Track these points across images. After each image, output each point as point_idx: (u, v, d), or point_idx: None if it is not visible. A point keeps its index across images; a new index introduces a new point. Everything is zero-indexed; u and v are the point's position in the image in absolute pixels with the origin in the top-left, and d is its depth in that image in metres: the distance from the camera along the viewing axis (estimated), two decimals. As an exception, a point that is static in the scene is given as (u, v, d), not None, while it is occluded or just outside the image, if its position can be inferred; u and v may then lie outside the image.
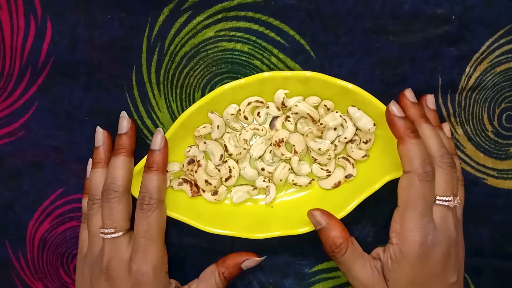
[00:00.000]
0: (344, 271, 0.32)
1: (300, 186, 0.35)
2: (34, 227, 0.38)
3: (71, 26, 0.35)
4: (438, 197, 0.31)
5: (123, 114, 0.35)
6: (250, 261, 0.35)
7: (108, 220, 0.33)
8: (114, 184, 0.33)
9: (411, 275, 0.30)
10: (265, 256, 0.35)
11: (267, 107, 0.35)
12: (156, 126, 0.36)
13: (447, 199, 0.31)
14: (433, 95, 0.35)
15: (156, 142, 0.33)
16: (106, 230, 0.33)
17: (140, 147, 0.36)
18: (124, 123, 0.35)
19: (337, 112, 0.34)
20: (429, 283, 0.31)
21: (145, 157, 0.34)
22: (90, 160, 0.36)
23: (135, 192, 0.34)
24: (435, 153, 0.31)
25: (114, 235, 0.33)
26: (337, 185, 0.35)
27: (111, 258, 0.32)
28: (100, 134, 0.35)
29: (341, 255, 0.32)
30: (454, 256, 0.31)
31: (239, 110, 0.34)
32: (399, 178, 0.33)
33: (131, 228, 0.33)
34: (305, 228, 0.34)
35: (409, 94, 0.34)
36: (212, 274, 0.34)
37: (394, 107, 0.31)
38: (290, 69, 0.35)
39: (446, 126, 0.35)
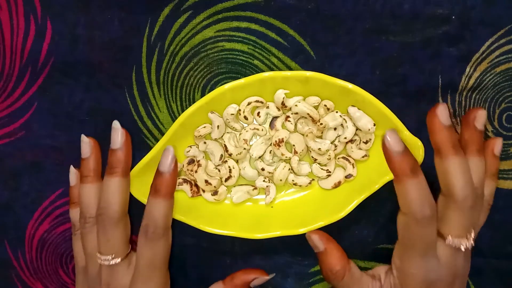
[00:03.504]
0: None
1: (300, 186, 0.35)
2: (34, 227, 0.38)
3: (71, 26, 0.35)
4: (450, 238, 0.28)
5: (116, 125, 0.32)
6: (260, 279, 0.33)
7: (105, 246, 0.31)
8: (110, 210, 0.31)
9: None
10: (274, 274, 0.34)
11: (267, 107, 0.35)
12: (156, 126, 0.36)
13: (459, 242, 0.28)
14: (484, 111, 0.30)
15: (164, 163, 0.30)
16: (103, 257, 0.31)
17: (140, 147, 0.36)
18: (118, 136, 0.32)
19: (337, 112, 0.34)
20: None
21: (144, 158, 0.34)
22: (72, 169, 0.35)
23: (135, 193, 0.34)
24: (457, 194, 0.28)
25: (112, 262, 0.31)
26: (337, 185, 0.35)
27: (110, 283, 0.31)
28: (86, 144, 0.33)
29: (338, 282, 0.30)
30: (458, 285, 0.30)
31: (239, 110, 0.34)
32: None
33: (130, 250, 0.32)
34: (305, 228, 0.34)
35: (442, 113, 0.29)
36: None
37: (390, 139, 0.27)
38: (290, 69, 0.35)
39: (498, 143, 0.31)
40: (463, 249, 0.28)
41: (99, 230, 0.31)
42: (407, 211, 0.28)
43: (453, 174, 0.28)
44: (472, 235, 0.29)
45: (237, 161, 0.35)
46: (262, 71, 0.35)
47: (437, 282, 0.28)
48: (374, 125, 0.33)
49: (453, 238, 0.28)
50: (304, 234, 0.34)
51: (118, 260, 0.31)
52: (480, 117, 0.30)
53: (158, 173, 0.30)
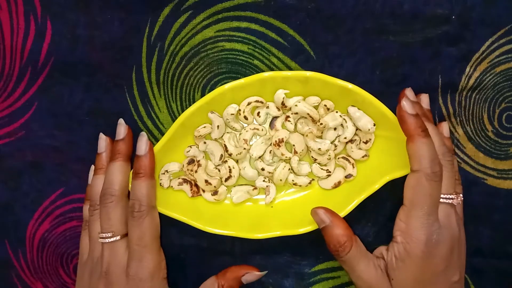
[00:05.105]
0: (347, 270, 0.32)
1: (300, 186, 0.35)
2: (34, 227, 0.38)
3: (71, 26, 0.35)
4: (442, 195, 0.31)
5: (121, 121, 0.35)
6: (251, 275, 0.34)
7: (106, 225, 0.33)
8: (110, 189, 0.33)
9: (415, 273, 0.30)
10: (266, 271, 0.34)
11: (267, 107, 0.35)
12: (156, 126, 0.36)
13: (450, 196, 0.31)
14: (427, 94, 0.35)
15: (141, 147, 0.33)
16: (104, 234, 0.33)
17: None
18: (122, 129, 0.35)
19: (337, 112, 0.34)
20: (433, 282, 0.31)
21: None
22: (93, 167, 0.36)
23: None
24: (437, 151, 0.31)
25: (111, 239, 0.33)
26: (337, 185, 0.35)
27: (110, 263, 0.32)
28: (103, 141, 0.35)
29: (345, 253, 0.31)
30: (457, 254, 0.31)
31: (239, 110, 0.34)
32: (399, 178, 0.33)
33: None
34: (305, 228, 0.34)
35: (409, 93, 0.34)
36: (212, 286, 0.34)
37: (406, 103, 0.31)
38: (290, 69, 0.35)
39: (445, 125, 0.35)
40: (455, 204, 0.32)
41: (101, 210, 0.33)
42: (419, 168, 0.30)
43: (424, 150, 0.31)
44: (459, 193, 0.33)
45: (237, 161, 0.35)
46: (262, 71, 0.35)
47: (439, 244, 0.30)
48: (374, 125, 0.33)
49: (444, 194, 0.31)
50: (304, 234, 0.34)
51: (117, 238, 0.33)
52: (424, 99, 0.35)
53: (136, 157, 0.33)
